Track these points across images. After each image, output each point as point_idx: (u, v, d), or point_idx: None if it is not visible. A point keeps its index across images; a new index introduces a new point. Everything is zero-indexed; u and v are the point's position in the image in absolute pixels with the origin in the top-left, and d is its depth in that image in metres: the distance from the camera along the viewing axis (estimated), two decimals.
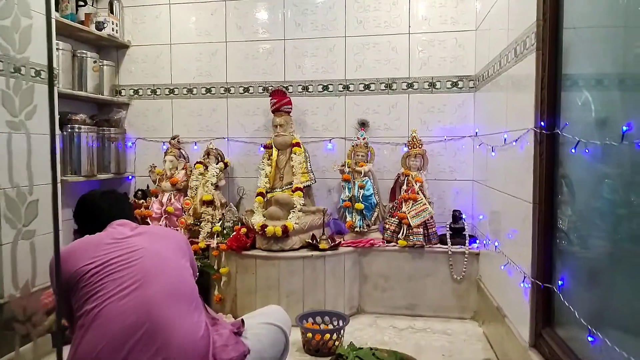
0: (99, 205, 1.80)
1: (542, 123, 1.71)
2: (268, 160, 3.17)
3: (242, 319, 1.86)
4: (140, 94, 3.54)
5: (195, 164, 3.30)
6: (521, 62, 1.96)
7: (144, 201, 3.41)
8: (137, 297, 1.51)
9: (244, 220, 3.11)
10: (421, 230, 2.93)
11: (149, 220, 3.24)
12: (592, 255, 1.49)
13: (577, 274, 1.58)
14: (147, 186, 3.49)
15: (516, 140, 1.97)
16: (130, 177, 3.58)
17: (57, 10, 2.93)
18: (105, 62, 3.39)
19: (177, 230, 3.17)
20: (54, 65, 2.75)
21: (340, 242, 2.96)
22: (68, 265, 1.56)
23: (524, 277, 1.87)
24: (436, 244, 2.96)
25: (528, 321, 1.83)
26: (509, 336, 2.07)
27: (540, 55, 1.73)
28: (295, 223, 2.85)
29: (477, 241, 2.92)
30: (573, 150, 1.50)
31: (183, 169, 3.36)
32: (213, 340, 1.63)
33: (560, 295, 1.61)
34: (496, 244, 2.40)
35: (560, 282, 1.63)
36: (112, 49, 3.52)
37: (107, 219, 1.75)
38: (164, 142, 3.47)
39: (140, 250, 1.62)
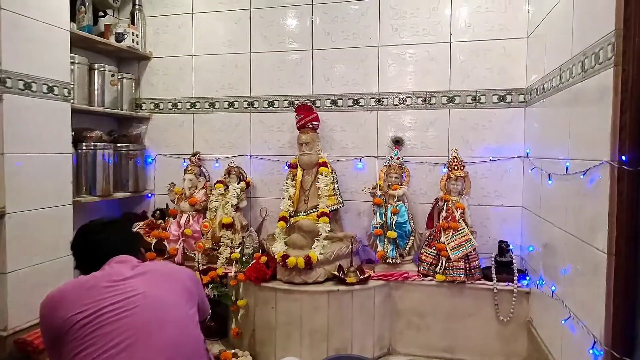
0: (100, 239, 1.59)
1: (624, 157, 1.37)
2: (292, 181, 2.91)
3: None
4: (161, 107, 3.36)
5: (215, 184, 3.08)
6: (592, 78, 1.62)
7: (162, 221, 3.22)
8: (130, 356, 1.28)
9: (265, 246, 2.86)
10: (462, 264, 2.59)
11: (166, 242, 3.04)
12: None
13: None
14: (167, 205, 3.31)
15: (584, 172, 1.63)
16: (149, 195, 3.41)
17: (73, 21, 2.78)
18: (125, 75, 3.23)
19: (195, 253, 2.96)
20: (69, 80, 2.59)
21: (370, 275, 2.66)
22: (57, 313, 1.35)
23: (594, 343, 1.52)
24: (479, 279, 2.61)
25: None
26: None
27: (620, 71, 1.39)
28: (319, 254, 2.57)
29: (527, 277, 2.56)
30: None
31: (203, 188, 3.15)
32: None
33: None
34: (553, 288, 2.04)
35: None
36: (133, 60, 3.36)
37: (108, 255, 1.54)
38: (184, 159, 3.28)
39: (139, 297, 1.39)
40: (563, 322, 1.83)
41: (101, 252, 1.56)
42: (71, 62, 2.71)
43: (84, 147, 2.83)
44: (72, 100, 2.71)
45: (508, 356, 2.55)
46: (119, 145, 3.14)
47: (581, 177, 1.64)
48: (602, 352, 1.47)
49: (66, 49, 2.57)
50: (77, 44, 2.88)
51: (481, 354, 2.58)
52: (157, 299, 1.42)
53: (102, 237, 1.60)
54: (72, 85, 2.71)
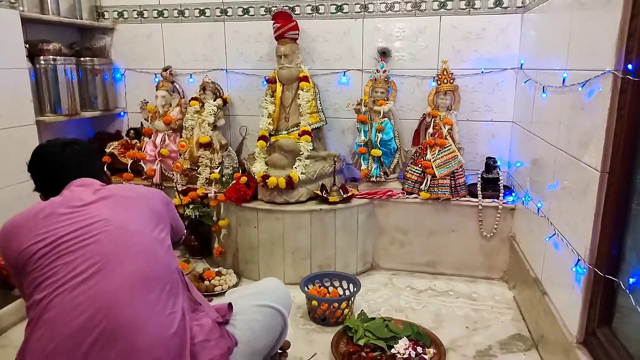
0: (57, 160, 1.45)
1: (630, 65, 1.23)
2: (271, 97, 2.74)
3: (230, 303, 1.56)
4: (125, 16, 3.05)
5: (190, 101, 2.89)
6: None
7: (137, 141, 3.07)
8: (92, 287, 1.21)
9: (245, 166, 2.76)
10: (447, 181, 2.53)
11: (142, 163, 2.92)
12: None
13: None
14: (141, 124, 3.13)
15: (583, 84, 1.49)
16: (122, 113, 3.21)
17: None
18: None
19: (173, 174, 2.85)
20: None
21: (354, 194, 2.60)
22: (12, 245, 1.26)
23: (578, 260, 1.50)
24: (464, 196, 2.57)
25: (578, 314, 1.48)
26: (550, 319, 1.75)
27: None
28: (301, 173, 2.48)
29: (514, 194, 2.52)
30: None
31: (177, 105, 2.96)
32: (191, 334, 1.34)
33: (631, 298, 1.24)
34: (539, 204, 2.00)
35: (632, 279, 1.26)
36: None
37: (68, 178, 1.42)
38: (155, 74, 3.05)
39: (101, 223, 1.29)
40: (547, 239, 1.80)
41: (60, 174, 1.43)
42: None
43: (42, 62, 2.58)
44: (20, 8, 2.42)
45: (489, 270, 2.59)
46: (82, 59, 2.88)
47: (579, 89, 1.51)
48: (585, 270, 1.45)
49: None
50: None
51: (462, 268, 2.62)
52: (121, 224, 1.31)
53: (60, 157, 1.45)
54: None
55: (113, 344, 1.18)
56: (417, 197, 2.59)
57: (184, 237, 1.77)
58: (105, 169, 2.73)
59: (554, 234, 1.76)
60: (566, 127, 1.70)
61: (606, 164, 1.35)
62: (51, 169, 1.45)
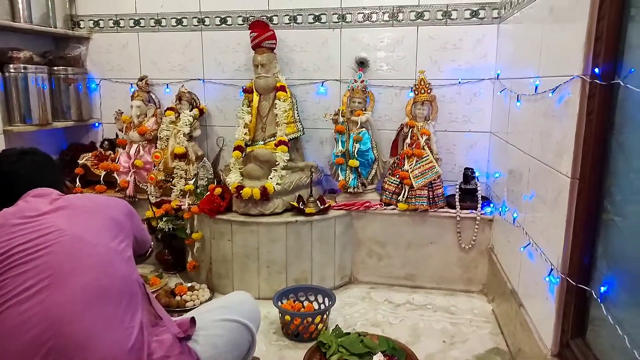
0: (13, 169, 1.38)
1: (597, 69, 1.21)
2: (248, 107, 2.70)
3: (193, 317, 1.49)
4: (101, 25, 3.01)
5: (165, 111, 2.84)
6: None
7: (111, 153, 3.00)
8: (43, 301, 1.13)
9: (221, 177, 2.70)
10: (425, 192, 2.49)
11: (116, 175, 2.85)
12: None
13: (631, 281, 1.15)
14: (116, 135, 3.06)
15: (553, 90, 1.47)
16: (97, 124, 3.15)
17: None
18: None
19: (147, 186, 2.78)
20: None
21: (331, 205, 2.55)
22: None
23: (551, 270, 1.45)
24: (442, 207, 2.54)
25: (552, 325, 1.44)
26: (526, 332, 1.70)
27: None
28: (276, 184, 2.43)
29: (492, 205, 2.49)
30: None
31: (153, 115, 2.91)
32: (150, 350, 1.26)
33: (602, 307, 1.19)
34: (515, 215, 1.97)
35: (603, 288, 1.22)
36: None
37: (23, 188, 1.35)
38: (131, 84, 2.99)
39: (55, 234, 1.22)
40: (522, 249, 1.76)
41: (15, 183, 1.36)
42: None
43: (12, 70, 2.52)
44: None
45: (468, 283, 2.55)
46: (55, 68, 2.82)
47: (550, 95, 1.49)
48: (558, 280, 1.41)
49: None
50: None
51: (441, 281, 2.57)
52: (76, 235, 1.24)
53: (16, 167, 1.38)
54: None
55: (65, 359, 1.11)
56: (395, 209, 2.55)
57: (150, 249, 1.70)
58: (66, 181, 2.67)
59: (528, 244, 1.72)
60: (539, 134, 1.68)
61: (576, 170, 1.32)
62: (5, 178, 1.38)
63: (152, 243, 1.67)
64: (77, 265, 1.21)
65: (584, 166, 1.30)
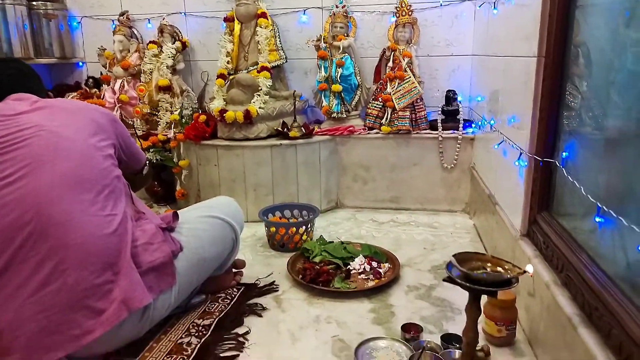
0: None
1: None
2: (230, 36, 2.69)
3: (176, 212, 1.54)
4: None
5: (147, 44, 2.83)
6: None
7: (96, 90, 3.00)
8: (22, 187, 1.17)
9: (206, 108, 2.72)
10: (408, 113, 2.53)
11: None
12: (611, 125, 1.09)
13: (587, 147, 1.20)
14: (100, 73, 3.06)
15: None
16: (80, 63, 3.14)
17: None
18: None
19: (134, 120, 2.80)
20: None
21: (314, 129, 2.58)
22: None
23: (520, 154, 1.50)
24: (425, 129, 2.58)
25: (521, 206, 1.50)
26: (500, 227, 1.77)
27: None
28: (259, 107, 2.45)
29: (473, 125, 2.53)
30: None
31: (136, 51, 2.91)
32: (133, 237, 1.31)
33: (563, 170, 1.25)
34: (492, 121, 2.01)
35: (564, 154, 1.27)
36: None
37: (3, 94, 1.36)
38: (112, 20, 2.97)
39: (32, 129, 1.25)
40: (496, 146, 1.81)
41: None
42: None
43: None
44: None
45: (451, 202, 2.61)
46: (34, 3, 2.79)
47: None
48: (526, 162, 1.46)
49: None
50: None
51: (426, 202, 2.63)
52: (54, 130, 1.26)
53: (1, 74, 1.40)
54: None
55: (44, 240, 1.15)
56: (378, 132, 2.59)
57: (146, 166, 1.67)
58: (49, 92, 2.68)
59: (502, 141, 1.77)
60: (512, 33, 1.70)
61: (542, 48, 1.35)
62: None
63: (145, 159, 1.66)
64: (55, 155, 1.24)
65: (549, 43, 1.33)
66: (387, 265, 1.89)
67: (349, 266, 1.86)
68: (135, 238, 1.32)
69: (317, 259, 1.89)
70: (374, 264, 1.87)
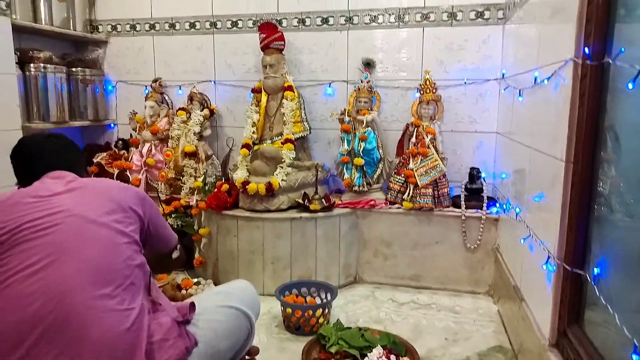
0: (35, 151, 1.43)
1: (587, 49, 1.22)
2: (256, 106, 2.75)
3: (193, 302, 1.51)
4: (119, 30, 3.13)
5: (177, 111, 2.92)
6: None
7: (125, 152, 3.08)
8: (47, 275, 1.16)
9: (229, 175, 2.75)
10: (430, 190, 2.49)
11: (128, 173, 2.93)
12: None
13: (622, 262, 1.14)
14: (130, 135, 3.16)
15: (549, 77, 1.48)
16: (112, 125, 3.25)
17: None
18: None
19: (158, 183, 2.84)
20: None
21: (335, 202, 2.57)
22: None
23: (548, 257, 1.44)
24: (448, 206, 2.53)
25: (550, 314, 1.41)
26: (527, 325, 1.67)
27: None
28: (282, 180, 2.46)
29: (497, 205, 2.47)
30: (630, 86, 1.03)
31: (165, 116, 2.99)
32: (149, 332, 1.27)
33: (595, 287, 1.18)
34: (517, 209, 1.95)
35: (596, 270, 1.20)
36: None
37: (42, 167, 1.39)
38: (146, 86, 3.09)
39: (62, 213, 1.25)
40: (522, 240, 1.75)
41: (34, 163, 1.41)
42: None
43: (32, 69, 2.64)
44: (13, 16, 2.50)
45: (474, 284, 2.52)
46: (73, 69, 2.94)
47: (545, 82, 1.50)
48: (554, 267, 1.39)
49: None
50: None
51: (447, 282, 2.54)
52: (82, 215, 1.27)
53: (38, 149, 1.43)
54: None
55: (62, 335, 1.13)
56: (400, 207, 2.55)
57: (176, 248, 1.62)
58: (87, 167, 2.74)
59: (528, 236, 1.70)
60: (538, 125, 1.68)
61: (570, 154, 1.32)
62: (28, 157, 1.43)
63: (176, 238, 1.59)
64: (81, 244, 1.23)
65: (577, 148, 1.29)
66: (406, 358, 1.79)
67: (366, 358, 1.78)
68: (151, 333, 1.29)
69: (333, 349, 1.82)
70: (393, 357, 1.78)
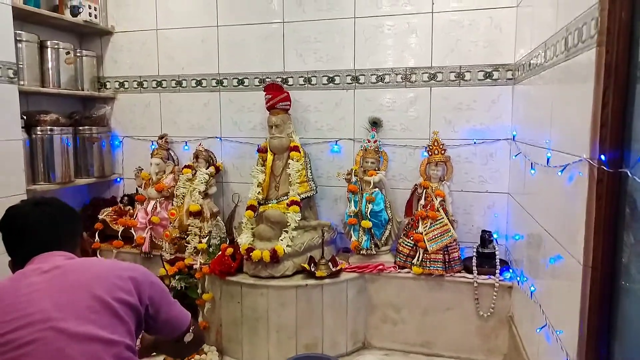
0: (24, 223, 1.29)
1: (603, 156, 1.16)
2: (262, 166, 2.72)
3: None
4: (126, 87, 3.15)
5: (182, 169, 2.89)
6: (574, 58, 1.39)
7: (130, 208, 3.06)
8: None
9: (234, 235, 2.70)
10: (441, 256, 2.41)
11: (133, 230, 2.89)
12: None
13: None
14: (136, 190, 3.13)
15: (563, 168, 1.42)
16: (118, 179, 3.23)
17: None
18: (84, 52, 3.01)
19: (161, 240, 2.80)
20: (14, 59, 2.40)
21: (343, 267, 2.50)
22: None
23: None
24: (459, 271, 2.45)
25: None
26: None
27: (603, 53, 1.16)
28: (287, 246, 2.40)
29: (511, 270, 2.38)
30: None
31: (171, 172, 2.97)
32: None
33: None
34: (532, 288, 1.87)
35: None
36: (94, 36, 3.13)
37: (32, 247, 1.26)
38: (152, 142, 3.08)
39: (39, 325, 1.10)
40: (539, 330, 1.66)
41: (23, 241, 1.28)
42: (18, 40, 2.49)
43: (39, 132, 2.64)
44: (21, 82, 2.52)
45: (488, 353, 2.41)
46: (80, 128, 2.94)
47: (559, 174, 1.44)
48: None
49: (8, 26, 2.35)
50: (28, 19, 2.66)
51: (460, 350, 2.44)
52: (60, 329, 1.10)
53: (24, 222, 1.29)
54: (20, 66, 2.51)
55: None
56: (409, 272, 2.47)
57: (190, 333, 1.38)
58: (84, 233, 2.70)
59: (545, 325, 1.61)
60: (553, 209, 1.61)
61: (589, 258, 1.24)
62: (14, 232, 1.29)
63: (189, 319, 1.38)
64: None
65: (596, 254, 1.22)
66: None
67: None
68: None
69: None
70: None
